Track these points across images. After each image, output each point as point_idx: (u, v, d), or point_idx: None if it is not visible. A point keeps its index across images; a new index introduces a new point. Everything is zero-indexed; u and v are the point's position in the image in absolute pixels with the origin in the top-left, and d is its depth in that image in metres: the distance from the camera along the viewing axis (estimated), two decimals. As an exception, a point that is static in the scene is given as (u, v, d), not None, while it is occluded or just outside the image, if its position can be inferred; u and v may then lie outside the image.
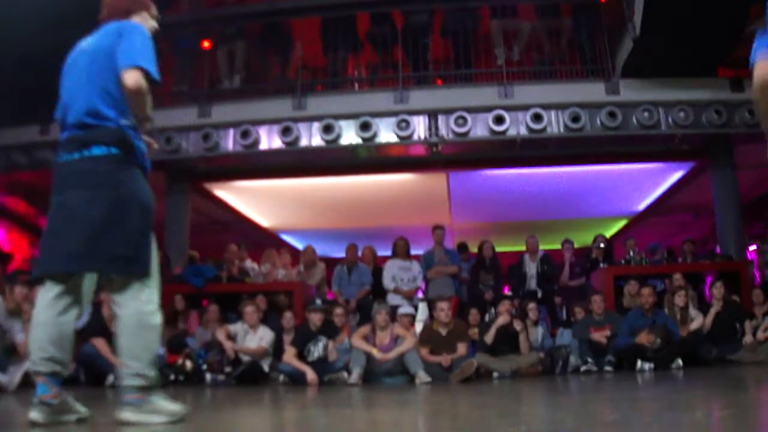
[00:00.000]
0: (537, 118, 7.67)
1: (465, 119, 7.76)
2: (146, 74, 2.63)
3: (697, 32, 6.84)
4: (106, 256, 2.59)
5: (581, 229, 11.40)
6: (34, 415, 2.52)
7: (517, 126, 7.78)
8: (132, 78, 2.60)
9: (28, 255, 10.04)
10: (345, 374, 6.14)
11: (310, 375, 6.00)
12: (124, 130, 2.68)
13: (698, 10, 6.52)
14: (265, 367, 6.50)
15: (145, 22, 2.91)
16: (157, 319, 2.67)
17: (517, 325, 6.62)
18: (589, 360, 6.59)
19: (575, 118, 7.67)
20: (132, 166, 2.70)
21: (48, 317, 2.61)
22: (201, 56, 8.98)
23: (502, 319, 6.64)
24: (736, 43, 7.20)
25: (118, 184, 2.63)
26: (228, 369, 6.36)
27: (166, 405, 2.65)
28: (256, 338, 6.56)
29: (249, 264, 8.30)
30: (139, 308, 2.62)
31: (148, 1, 3.00)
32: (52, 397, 2.55)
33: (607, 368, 6.50)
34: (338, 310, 6.86)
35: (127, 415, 2.57)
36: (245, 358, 6.44)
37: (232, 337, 6.54)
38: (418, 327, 7.26)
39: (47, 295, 2.64)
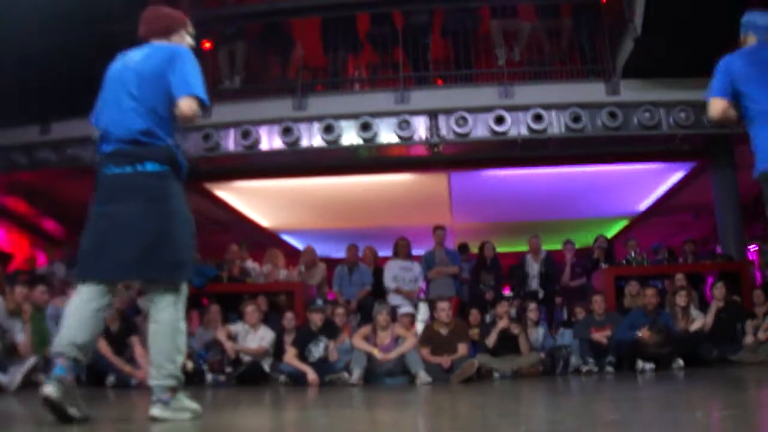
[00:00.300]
0: (537, 118, 7.67)
1: (466, 119, 7.75)
2: (199, 101, 2.87)
3: (698, 32, 6.83)
4: (159, 265, 2.80)
5: (582, 230, 11.40)
6: (49, 389, 2.58)
7: (517, 126, 7.77)
8: (189, 106, 2.83)
9: (29, 255, 10.05)
10: (346, 374, 6.14)
11: (311, 375, 6.00)
12: (172, 148, 2.90)
13: (699, 11, 6.51)
14: (266, 368, 6.50)
15: (183, 40, 3.10)
16: (184, 324, 2.91)
17: (515, 328, 6.61)
18: (590, 360, 6.59)
19: (576, 119, 7.67)
20: (177, 182, 2.92)
21: (86, 311, 2.76)
22: (201, 56, 8.95)
23: (502, 324, 6.64)
24: (737, 43, 7.19)
25: (168, 199, 2.84)
26: (229, 369, 6.36)
27: (190, 403, 2.88)
28: (256, 338, 6.56)
29: (250, 264, 8.29)
30: (174, 315, 2.84)
31: (185, 19, 3.15)
32: (68, 381, 2.64)
33: (608, 368, 6.50)
34: (339, 310, 6.86)
35: (158, 412, 2.76)
36: (246, 358, 6.44)
37: (232, 337, 6.54)
38: (419, 327, 7.27)
39: (89, 291, 2.79)
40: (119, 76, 2.93)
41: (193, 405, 2.89)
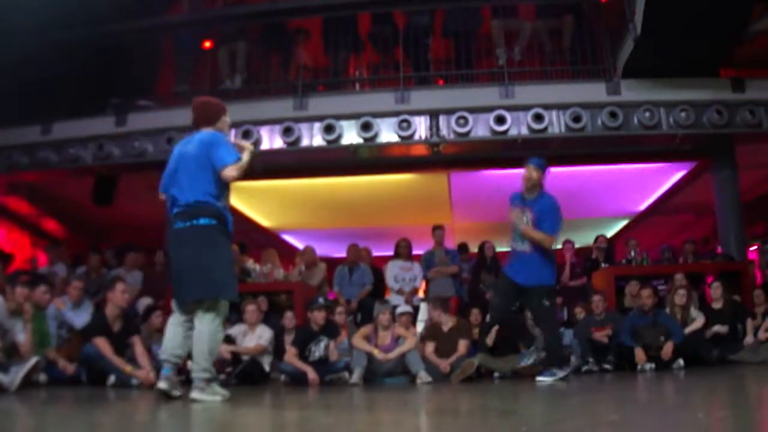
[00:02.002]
0: (538, 118, 7.67)
1: (466, 119, 7.75)
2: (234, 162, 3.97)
3: (699, 32, 6.83)
4: (216, 288, 3.91)
5: (582, 229, 11.39)
6: (163, 384, 3.87)
7: (518, 126, 7.77)
8: (229, 173, 3.97)
9: (30, 255, 10.04)
10: (346, 374, 6.14)
11: (311, 375, 6.00)
12: (220, 209, 4.00)
13: (699, 10, 6.51)
14: (266, 367, 6.50)
15: (224, 124, 4.29)
16: (222, 335, 4.20)
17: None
18: (591, 360, 6.59)
19: (576, 118, 7.66)
20: (223, 233, 3.99)
21: (179, 333, 3.97)
22: (202, 56, 8.97)
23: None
24: (737, 43, 7.19)
25: (217, 244, 3.95)
26: (229, 369, 6.36)
27: (220, 390, 3.98)
28: (254, 338, 6.56)
29: (251, 264, 8.28)
30: (213, 327, 3.93)
31: (224, 108, 4.32)
32: (173, 376, 3.91)
33: (608, 368, 6.50)
34: (338, 309, 6.87)
35: (196, 394, 3.84)
36: (245, 357, 6.44)
37: (232, 340, 6.54)
38: (419, 327, 7.27)
39: (179, 319, 4.00)
40: (180, 159, 4.06)
41: (223, 391, 3.95)
